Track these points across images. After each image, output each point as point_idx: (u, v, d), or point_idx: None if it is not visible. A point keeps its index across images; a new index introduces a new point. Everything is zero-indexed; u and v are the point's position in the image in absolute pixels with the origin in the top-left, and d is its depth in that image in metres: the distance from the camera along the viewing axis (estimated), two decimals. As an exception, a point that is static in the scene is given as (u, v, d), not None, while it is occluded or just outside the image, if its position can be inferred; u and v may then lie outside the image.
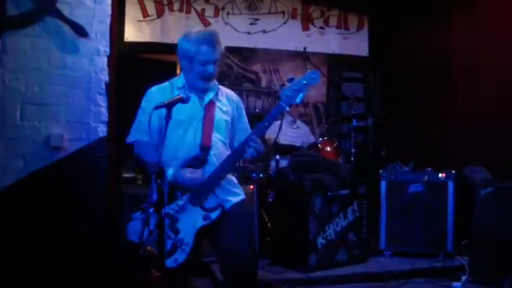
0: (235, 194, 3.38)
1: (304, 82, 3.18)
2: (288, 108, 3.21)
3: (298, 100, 3.17)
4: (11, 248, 4.36)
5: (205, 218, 3.17)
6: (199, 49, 3.18)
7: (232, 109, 3.45)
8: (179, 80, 3.37)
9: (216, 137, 3.29)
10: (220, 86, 3.45)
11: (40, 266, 4.39)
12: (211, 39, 3.19)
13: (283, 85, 3.21)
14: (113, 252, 4.59)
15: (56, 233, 4.48)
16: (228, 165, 3.22)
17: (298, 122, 7.19)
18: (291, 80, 3.22)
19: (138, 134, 3.31)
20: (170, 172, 3.15)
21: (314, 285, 4.96)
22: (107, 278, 4.51)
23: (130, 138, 3.39)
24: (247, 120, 3.57)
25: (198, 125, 3.27)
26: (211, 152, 3.25)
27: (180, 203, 3.20)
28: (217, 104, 3.36)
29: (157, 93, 3.32)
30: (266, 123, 3.18)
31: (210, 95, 3.33)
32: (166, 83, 3.41)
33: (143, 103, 3.36)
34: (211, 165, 3.21)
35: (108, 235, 4.66)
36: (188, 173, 3.17)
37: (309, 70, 3.29)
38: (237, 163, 3.32)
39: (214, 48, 3.20)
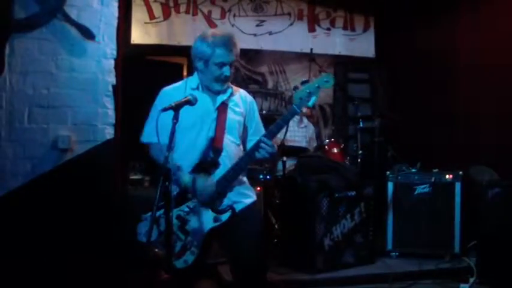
0: (246, 196, 3.37)
1: (317, 85, 3.19)
2: (299, 111, 3.23)
3: (310, 103, 3.19)
4: (18, 249, 4.38)
5: (215, 220, 3.17)
6: (216, 52, 3.17)
7: (245, 109, 3.42)
8: (193, 80, 3.35)
9: (229, 139, 3.28)
10: (233, 86, 3.43)
11: (47, 267, 4.41)
12: (228, 42, 3.18)
13: (296, 87, 3.21)
14: (120, 253, 4.61)
15: (63, 235, 4.49)
16: (239, 168, 3.21)
17: (305, 121, 7.18)
18: (304, 82, 3.23)
19: (151, 134, 3.26)
20: (187, 179, 3.17)
21: (321, 287, 4.97)
22: (114, 279, 4.52)
23: (144, 138, 3.37)
24: (260, 121, 3.54)
25: (211, 127, 3.26)
26: (224, 155, 3.23)
27: (191, 204, 3.20)
28: (230, 104, 3.35)
29: (171, 93, 3.29)
30: (278, 126, 3.18)
31: (223, 97, 3.32)
32: (181, 83, 3.39)
33: (156, 103, 3.33)
34: (223, 168, 3.20)
35: (114, 236, 4.67)
36: (202, 182, 3.17)
37: (323, 73, 3.29)
38: (248, 165, 3.28)
39: (231, 51, 3.19)
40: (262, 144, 3.13)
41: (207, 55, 3.19)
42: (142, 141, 3.38)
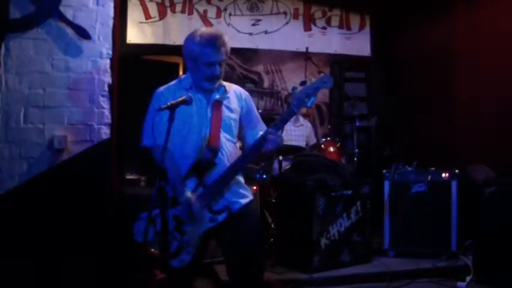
0: (242, 195, 3.34)
1: (316, 86, 3.18)
2: (297, 112, 3.24)
3: (309, 104, 3.18)
4: (14, 249, 4.38)
5: (211, 220, 3.16)
6: (203, 51, 3.14)
7: (241, 106, 3.40)
8: (186, 80, 3.33)
9: (225, 137, 3.26)
10: (226, 83, 3.40)
11: (43, 267, 4.41)
12: (215, 41, 3.15)
13: (295, 88, 3.21)
14: (116, 253, 4.61)
15: (59, 235, 4.49)
16: (237, 168, 3.20)
17: (301, 119, 7.19)
18: (303, 83, 3.23)
19: (150, 137, 3.27)
20: (186, 195, 3.14)
21: (317, 286, 4.96)
22: (110, 279, 4.52)
23: (146, 142, 3.33)
24: (258, 115, 3.52)
25: (206, 125, 3.24)
26: (220, 153, 3.22)
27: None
28: (224, 102, 3.32)
29: (165, 94, 3.27)
30: (277, 128, 3.17)
31: (216, 95, 3.30)
32: (174, 82, 3.37)
33: (152, 104, 3.30)
34: (220, 167, 3.19)
35: (111, 236, 4.67)
36: (198, 206, 3.14)
37: (322, 74, 3.28)
38: (247, 164, 3.27)
39: (219, 50, 3.16)
40: (269, 136, 3.11)
41: (195, 54, 3.18)
42: (144, 144, 3.36)
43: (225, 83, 3.38)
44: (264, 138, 3.13)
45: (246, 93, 3.51)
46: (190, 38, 3.23)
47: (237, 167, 3.19)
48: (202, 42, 3.15)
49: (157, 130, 3.16)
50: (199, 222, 3.15)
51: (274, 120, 3.25)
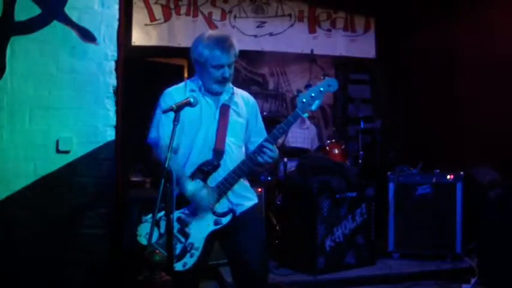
0: (247, 198, 3.35)
1: (322, 89, 3.18)
2: (303, 115, 3.23)
3: (314, 107, 3.17)
4: (20, 251, 4.39)
5: (216, 223, 3.15)
6: (212, 54, 3.13)
7: (248, 111, 3.40)
8: (194, 82, 3.32)
9: (231, 141, 3.26)
10: (235, 88, 3.41)
11: (48, 269, 4.42)
12: (224, 43, 3.15)
13: (300, 91, 3.18)
14: (121, 255, 4.61)
15: (64, 236, 4.50)
16: (241, 171, 3.18)
17: (308, 122, 7.18)
18: (308, 86, 3.22)
19: (156, 135, 3.27)
20: (189, 188, 3.13)
21: (322, 288, 4.97)
22: (115, 282, 4.52)
23: (150, 139, 3.32)
24: (262, 123, 3.52)
25: (213, 128, 3.24)
26: (225, 157, 3.21)
27: (191, 207, 3.19)
28: (233, 106, 3.32)
29: (174, 94, 3.27)
30: (281, 130, 3.17)
31: (224, 98, 3.30)
32: (182, 84, 3.37)
33: (160, 103, 3.29)
34: (225, 170, 3.18)
35: (116, 238, 4.67)
36: (204, 193, 3.14)
37: (326, 78, 3.27)
38: (250, 169, 3.25)
39: (228, 52, 3.15)
40: (264, 149, 3.11)
41: (204, 57, 3.16)
42: (149, 141, 3.35)
43: (233, 87, 3.38)
44: (259, 150, 3.13)
45: (254, 100, 3.51)
46: (198, 40, 3.22)
47: (241, 170, 3.18)
48: (210, 44, 3.15)
49: (164, 131, 3.17)
50: (204, 221, 3.15)
51: (279, 122, 3.25)
